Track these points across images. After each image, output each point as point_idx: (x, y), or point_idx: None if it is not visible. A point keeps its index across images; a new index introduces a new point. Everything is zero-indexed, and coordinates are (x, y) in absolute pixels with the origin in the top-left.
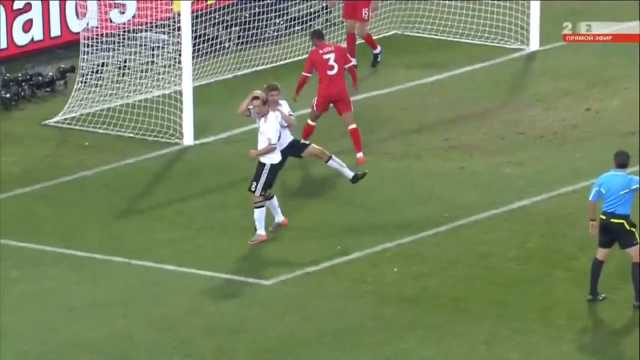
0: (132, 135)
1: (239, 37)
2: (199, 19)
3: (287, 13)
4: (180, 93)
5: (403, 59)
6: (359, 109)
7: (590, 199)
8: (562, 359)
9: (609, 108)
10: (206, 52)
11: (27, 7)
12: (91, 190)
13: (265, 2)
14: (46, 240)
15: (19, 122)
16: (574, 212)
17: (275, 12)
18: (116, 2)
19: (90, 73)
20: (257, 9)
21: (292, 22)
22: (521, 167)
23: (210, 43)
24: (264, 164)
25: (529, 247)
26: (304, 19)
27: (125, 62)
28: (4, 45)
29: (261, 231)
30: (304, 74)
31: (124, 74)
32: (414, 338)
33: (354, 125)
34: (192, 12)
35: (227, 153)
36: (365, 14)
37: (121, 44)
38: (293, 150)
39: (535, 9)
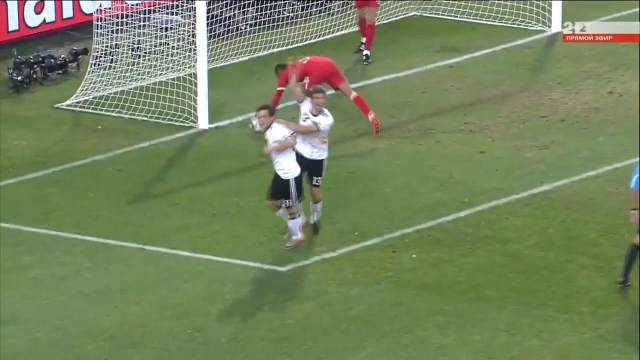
0: (145, 118)
1: (254, 18)
2: (213, 0)
3: None
4: (195, 76)
5: (422, 41)
6: (377, 91)
7: (632, 186)
8: (584, 347)
9: (632, 91)
10: (221, 34)
11: None
12: (104, 174)
13: None
14: (59, 225)
15: (31, 105)
16: (596, 198)
17: None
18: None
19: (103, 55)
20: None
21: (309, 4)
22: (542, 151)
23: (224, 24)
24: (287, 181)
25: (550, 233)
26: (321, 0)
27: (138, 44)
28: (15, 27)
29: (297, 235)
30: (278, 89)
31: (137, 56)
32: (433, 325)
33: (354, 94)
34: None
35: (242, 137)
36: None
37: (134, 25)
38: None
39: None
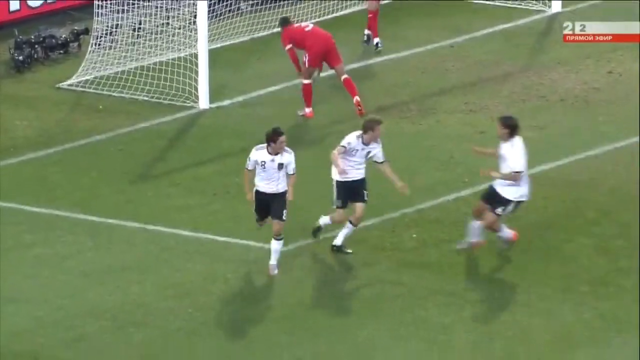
0: (146, 98)
1: None
2: None
3: None
4: (196, 56)
5: (423, 21)
6: (378, 72)
7: None
8: (584, 326)
9: (631, 71)
10: (221, 14)
11: None
12: (105, 154)
13: None
14: (61, 204)
15: (32, 85)
16: (596, 177)
17: None
18: None
19: (104, 35)
20: None
21: None
22: (542, 131)
23: (225, 4)
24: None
25: (550, 212)
26: None
27: (139, 23)
28: (16, 7)
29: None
30: (286, 49)
31: (138, 36)
32: (433, 305)
33: (346, 76)
34: None
35: (243, 117)
36: None
37: (135, 5)
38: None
39: None
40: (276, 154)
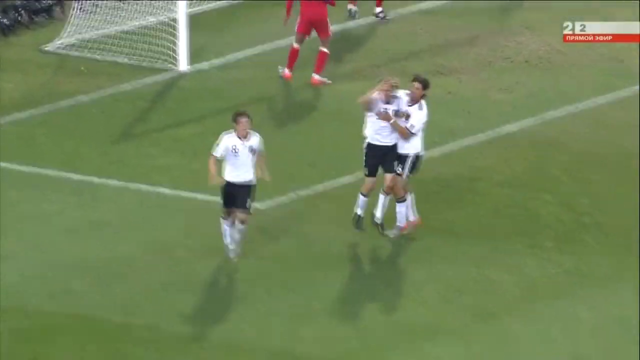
0: (127, 61)
1: None
2: None
3: None
4: (176, 20)
5: None
6: (350, 36)
7: None
8: (550, 282)
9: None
10: None
11: None
12: (88, 116)
13: None
14: (46, 164)
15: (17, 48)
16: (559, 137)
17: None
18: None
19: None
20: None
21: None
22: (508, 92)
23: None
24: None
25: (516, 171)
26: None
27: None
28: None
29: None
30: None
31: (120, 0)
32: (405, 261)
33: (325, 49)
34: None
35: (222, 79)
36: None
37: None
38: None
39: None
40: (245, 137)
